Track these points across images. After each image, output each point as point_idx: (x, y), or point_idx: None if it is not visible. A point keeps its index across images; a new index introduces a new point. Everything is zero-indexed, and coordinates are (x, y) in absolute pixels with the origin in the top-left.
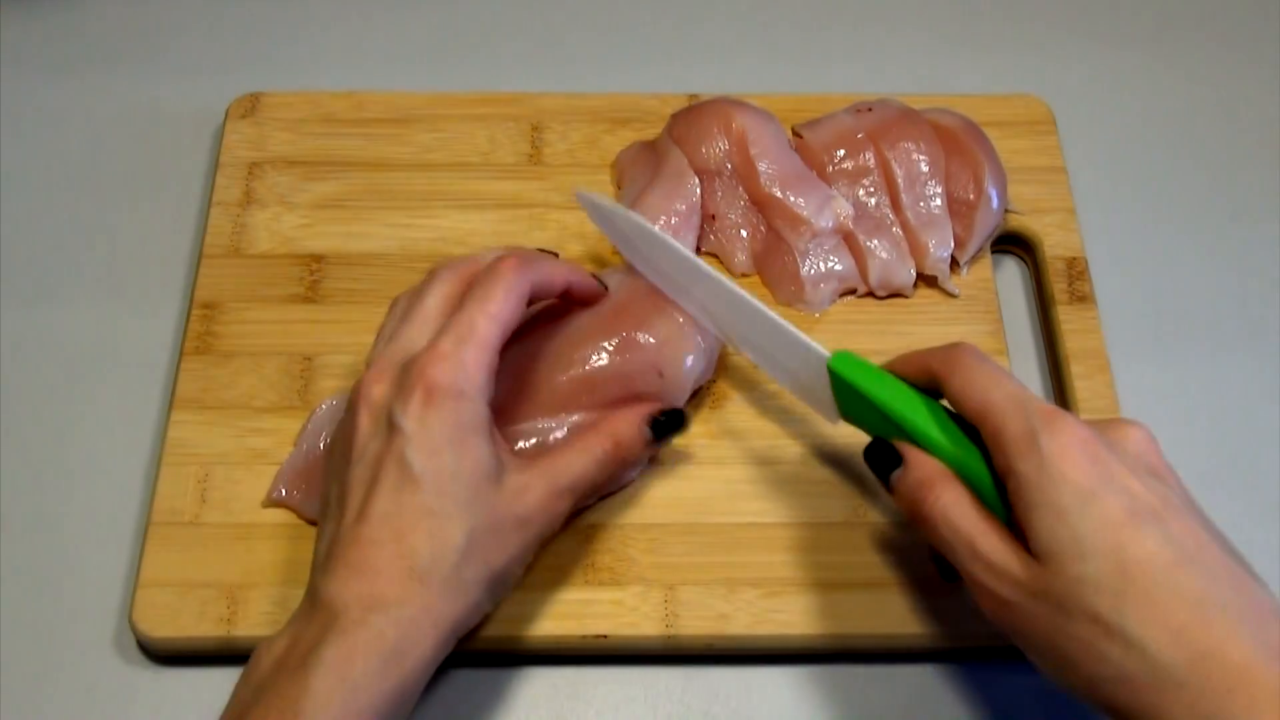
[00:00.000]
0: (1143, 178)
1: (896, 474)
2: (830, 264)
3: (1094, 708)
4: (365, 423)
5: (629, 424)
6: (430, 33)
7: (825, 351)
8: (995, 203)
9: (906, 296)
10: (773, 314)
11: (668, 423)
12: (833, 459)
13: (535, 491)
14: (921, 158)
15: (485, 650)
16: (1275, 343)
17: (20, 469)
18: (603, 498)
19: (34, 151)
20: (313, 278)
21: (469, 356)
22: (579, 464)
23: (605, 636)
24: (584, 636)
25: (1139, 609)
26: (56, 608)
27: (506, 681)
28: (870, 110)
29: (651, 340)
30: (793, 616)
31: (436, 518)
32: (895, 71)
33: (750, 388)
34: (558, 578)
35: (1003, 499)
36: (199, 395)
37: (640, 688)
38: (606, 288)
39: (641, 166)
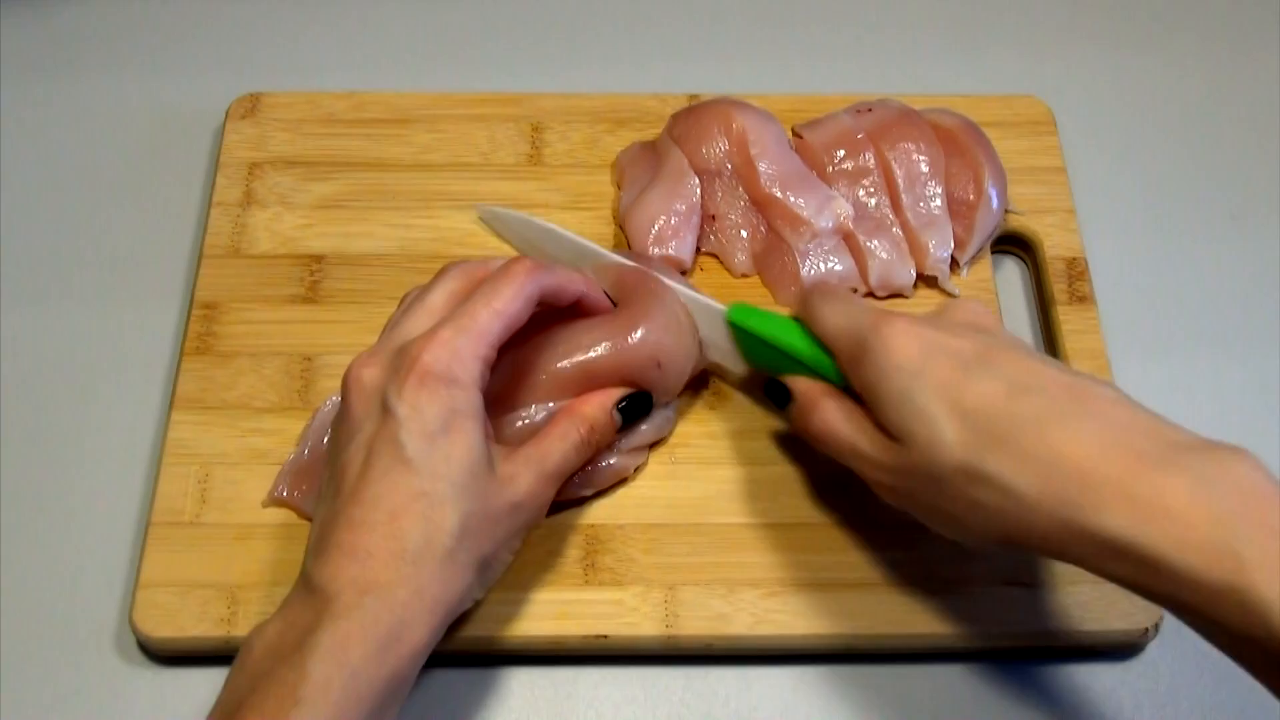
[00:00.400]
0: (1143, 178)
1: (789, 406)
2: (830, 264)
3: (993, 549)
4: (357, 406)
5: (599, 409)
6: (430, 33)
7: (722, 306)
8: (995, 203)
9: (907, 297)
10: (669, 280)
11: (634, 406)
12: (833, 459)
13: (524, 479)
14: (921, 158)
15: (486, 650)
16: (1275, 343)
17: (20, 469)
18: (596, 495)
19: (34, 151)
20: (313, 278)
21: (465, 345)
22: (559, 450)
23: (605, 636)
24: (584, 636)
25: (989, 446)
26: (56, 608)
27: (507, 681)
28: (870, 110)
29: (650, 332)
30: (793, 616)
31: (429, 500)
32: (895, 71)
33: (750, 388)
34: (558, 578)
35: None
36: (199, 395)
37: (640, 688)
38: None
39: (642, 167)
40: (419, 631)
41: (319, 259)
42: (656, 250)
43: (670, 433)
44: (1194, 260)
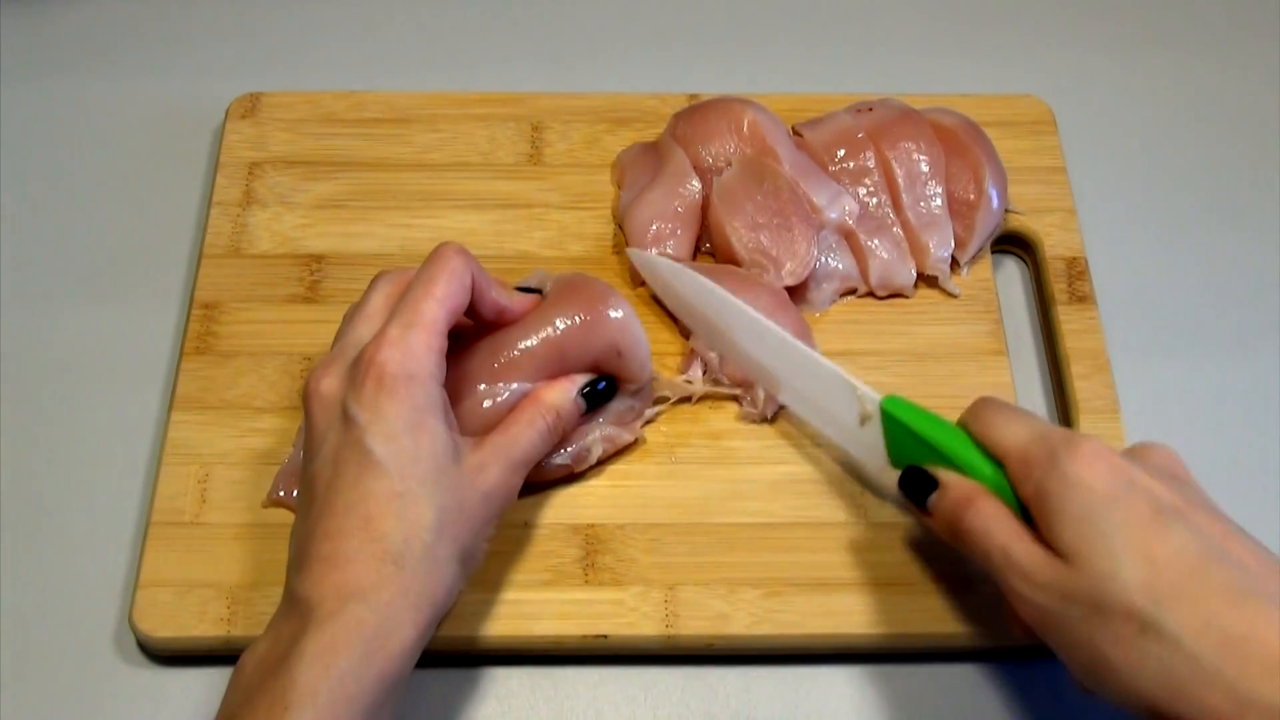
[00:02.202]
0: (1143, 178)
1: (934, 497)
2: (831, 263)
3: (1133, 711)
4: (319, 417)
5: (563, 394)
6: (430, 33)
7: (875, 394)
8: (995, 203)
9: (907, 296)
10: (823, 359)
11: (599, 392)
12: (833, 459)
13: (493, 468)
14: (922, 158)
15: (486, 650)
16: (1275, 343)
17: (20, 469)
18: (583, 475)
19: (34, 151)
20: (313, 278)
21: (416, 340)
22: (526, 438)
23: (605, 636)
24: (584, 636)
25: (1171, 601)
26: (56, 608)
27: (507, 681)
28: (871, 110)
29: (611, 316)
30: (792, 616)
31: (404, 500)
32: (895, 71)
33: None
34: (558, 578)
35: (1031, 523)
36: (199, 395)
37: (640, 688)
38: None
39: (642, 167)
40: (407, 631)
41: (319, 259)
42: (655, 250)
43: (652, 416)
44: (1194, 260)
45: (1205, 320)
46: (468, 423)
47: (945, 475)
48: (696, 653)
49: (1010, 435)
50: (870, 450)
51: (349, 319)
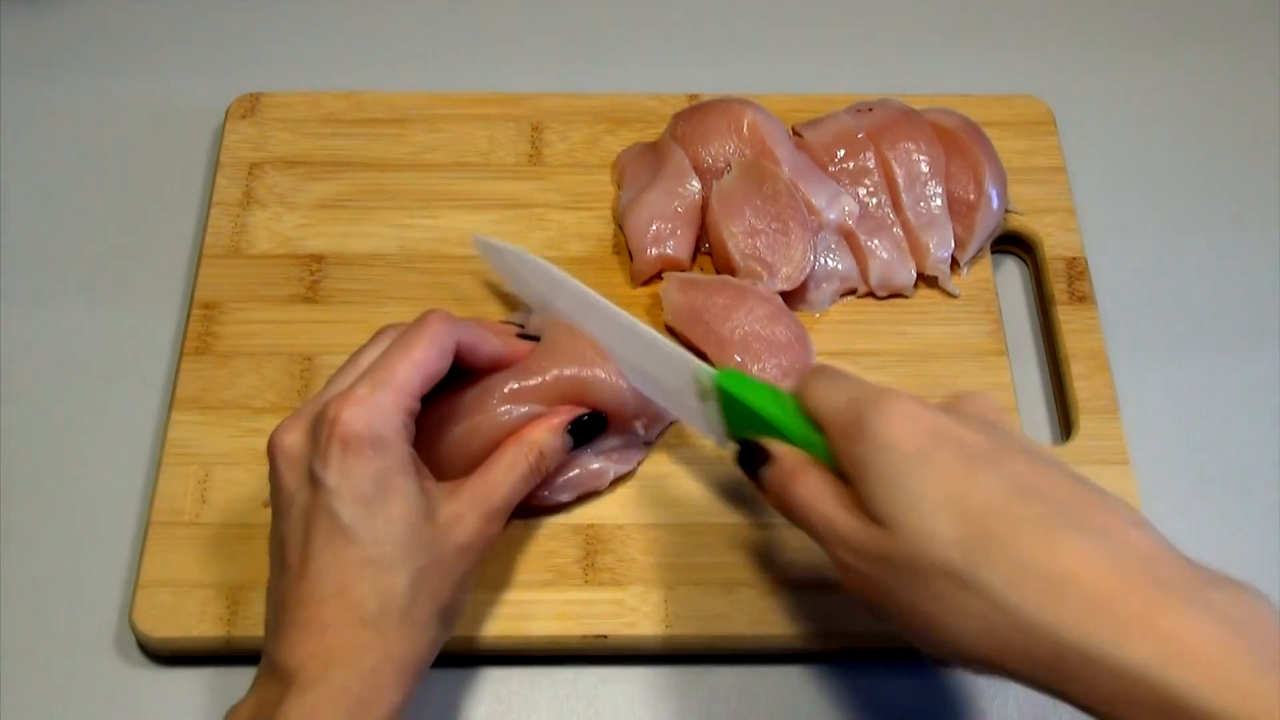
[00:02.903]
0: (1143, 178)
1: (764, 470)
2: (831, 264)
3: (966, 669)
4: (286, 477)
5: (550, 432)
6: (430, 33)
7: (710, 369)
8: (995, 203)
9: (907, 297)
10: (658, 335)
11: (588, 425)
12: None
13: (469, 520)
14: (922, 158)
15: (485, 650)
16: (1275, 343)
17: (20, 469)
18: (576, 502)
19: (34, 151)
20: (313, 278)
21: (385, 399)
22: (506, 483)
23: (605, 636)
24: (584, 636)
25: (984, 552)
26: (56, 608)
27: (507, 681)
28: (870, 110)
29: (600, 379)
30: (792, 616)
31: (376, 566)
32: (895, 71)
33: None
34: (558, 578)
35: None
36: (199, 395)
37: (640, 688)
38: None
39: (642, 167)
40: (390, 695)
41: (319, 259)
42: (654, 250)
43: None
44: (1194, 260)
45: (1205, 320)
46: (452, 456)
47: (775, 447)
48: (696, 653)
49: (828, 402)
50: (714, 427)
51: (342, 365)
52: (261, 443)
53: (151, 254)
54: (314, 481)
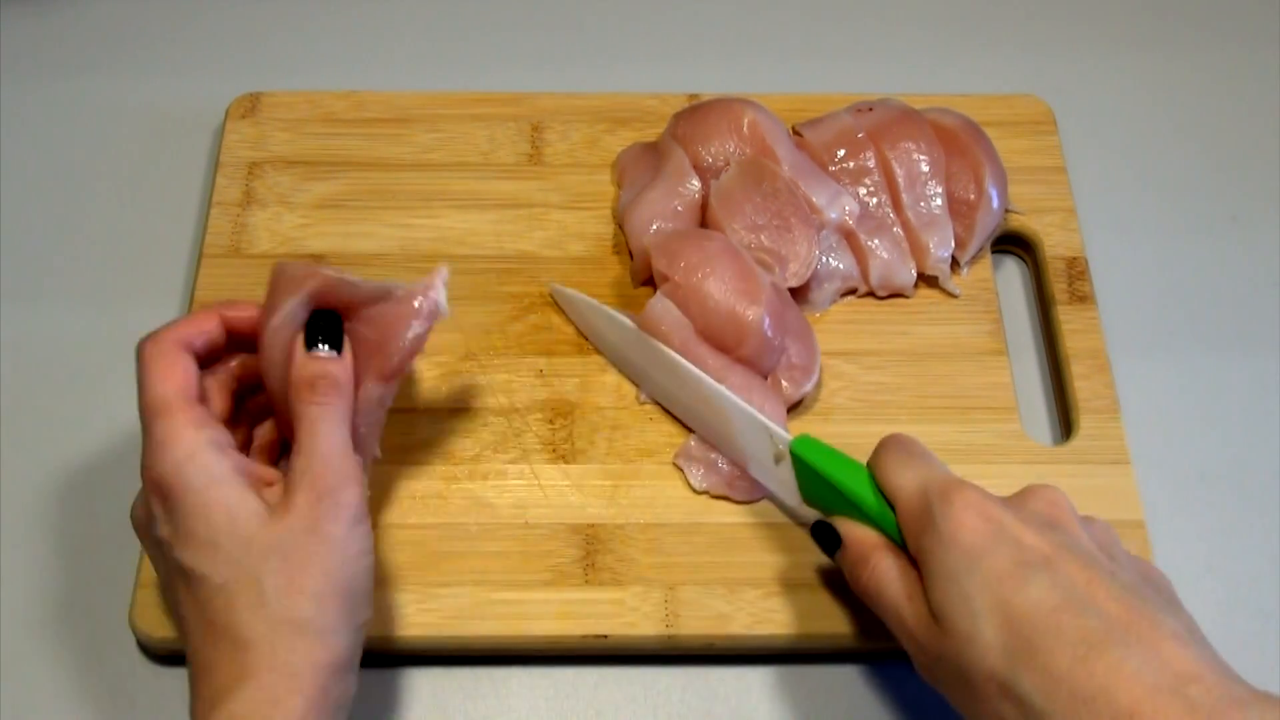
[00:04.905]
0: (1143, 178)
1: (839, 552)
2: (832, 263)
3: None
4: (149, 549)
5: (300, 366)
6: (430, 33)
7: (787, 434)
8: (995, 203)
9: (907, 296)
10: (737, 399)
11: (322, 325)
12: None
13: (296, 501)
14: (922, 158)
15: (485, 650)
16: (1275, 343)
17: (21, 469)
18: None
19: (34, 151)
20: None
21: (162, 432)
22: (313, 443)
23: (605, 636)
24: (584, 636)
25: (1025, 662)
26: (57, 608)
27: (507, 681)
28: (871, 110)
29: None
30: (793, 616)
31: (228, 589)
32: (895, 71)
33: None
34: (558, 578)
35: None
36: None
37: (640, 688)
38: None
39: (642, 167)
40: (292, 702)
41: (319, 259)
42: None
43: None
44: (1194, 260)
45: (1205, 320)
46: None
47: (846, 529)
48: (696, 653)
49: (901, 484)
50: (786, 488)
51: None
52: None
53: (151, 254)
54: (159, 542)
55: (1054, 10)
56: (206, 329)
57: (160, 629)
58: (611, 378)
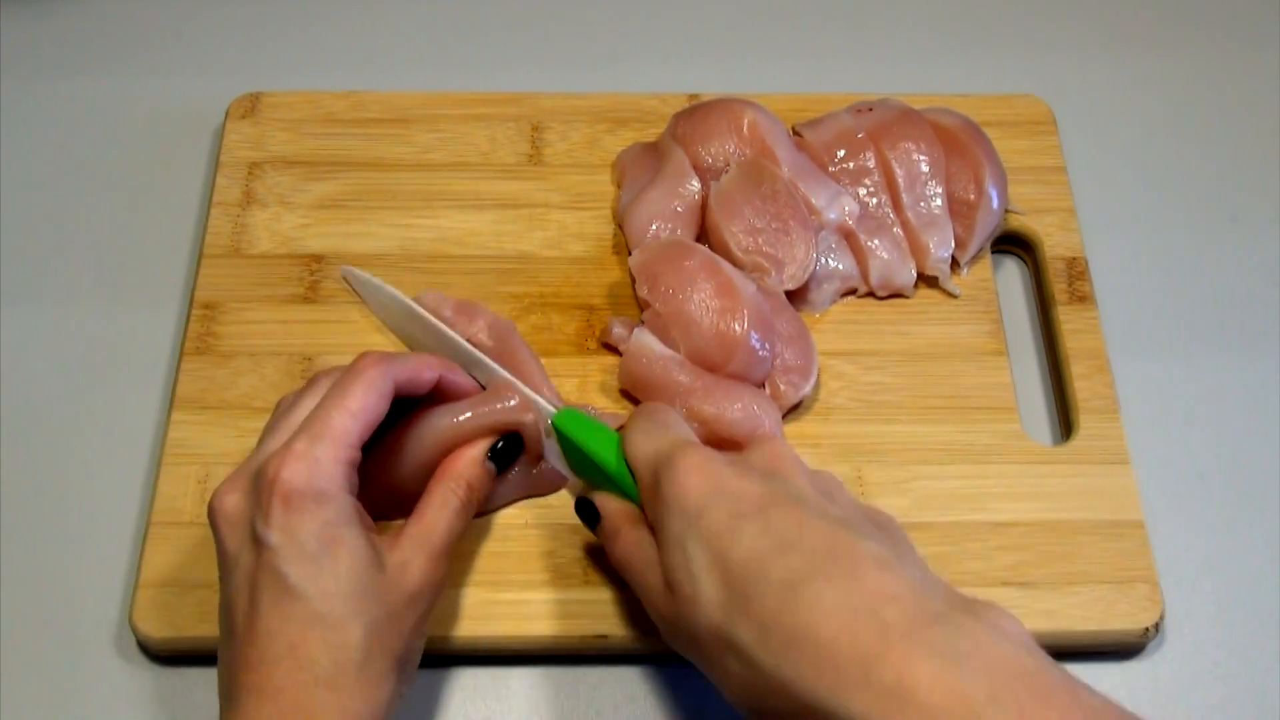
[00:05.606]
0: (1143, 178)
1: (596, 526)
2: (831, 264)
3: None
4: (229, 539)
5: (472, 463)
6: (430, 33)
7: (551, 408)
8: (995, 203)
9: (907, 296)
10: (505, 373)
11: (506, 449)
12: (829, 459)
13: (415, 564)
14: (922, 158)
15: (485, 650)
16: (1275, 343)
17: (20, 469)
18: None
19: (34, 151)
20: (313, 278)
21: (324, 453)
22: (443, 522)
23: (605, 636)
24: (584, 636)
25: (740, 611)
26: (56, 608)
27: (507, 681)
28: (871, 110)
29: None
30: None
31: (327, 623)
32: (895, 71)
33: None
34: (558, 578)
35: None
36: (199, 395)
37: (640, 688)
38: (483, 386)
39: (642, 167)
40: None
41: (319, 259)
42: None
43: None
44: (1194, 260)
45: (1205, 320)
46: (399, 493)
47: (602, 503)
48: None
49: (637, 457)
50: (562, 462)
51: (277, 415)
52: None
53: (151, 254)
54: (257, 542)
55: (1054, 10)
56: (423, 379)
57: (160, 629)
58: None
